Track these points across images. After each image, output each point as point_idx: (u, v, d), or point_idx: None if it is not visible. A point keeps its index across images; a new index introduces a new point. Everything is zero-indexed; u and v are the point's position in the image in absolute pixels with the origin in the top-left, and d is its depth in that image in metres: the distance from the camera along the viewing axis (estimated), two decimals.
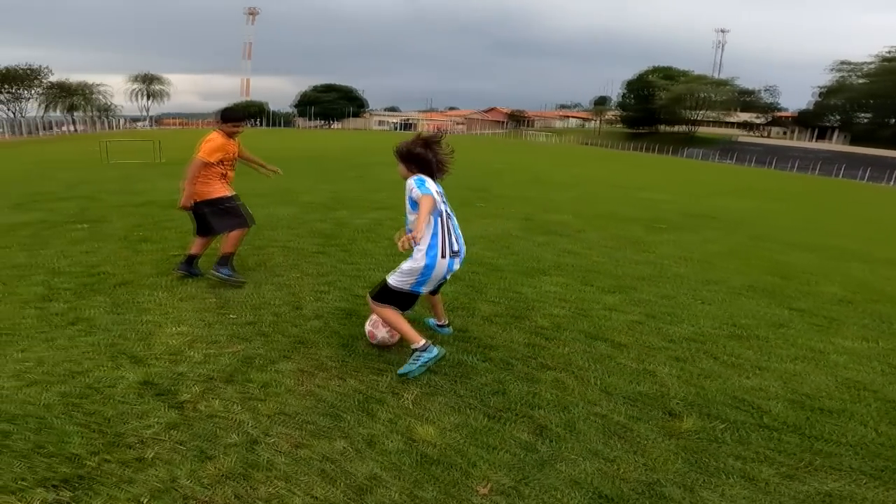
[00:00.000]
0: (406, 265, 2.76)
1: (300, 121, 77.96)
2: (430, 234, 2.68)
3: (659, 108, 66.53)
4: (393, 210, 7.66)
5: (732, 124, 70.74)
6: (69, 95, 50.59)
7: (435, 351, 2.71)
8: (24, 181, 10.35)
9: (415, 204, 2.63)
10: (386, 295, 2.79)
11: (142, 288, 3.86)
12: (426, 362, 2.71)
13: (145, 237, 5.36)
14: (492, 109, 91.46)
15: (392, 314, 2.78)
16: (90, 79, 54.78)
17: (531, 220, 7.70)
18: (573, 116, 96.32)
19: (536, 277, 4.69)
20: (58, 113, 49.80)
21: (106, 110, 53.98)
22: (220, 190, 4.00)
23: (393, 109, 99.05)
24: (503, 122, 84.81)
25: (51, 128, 44.39)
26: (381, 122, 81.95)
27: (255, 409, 2.41)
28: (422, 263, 2.69)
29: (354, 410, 2.45)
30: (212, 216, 3.97)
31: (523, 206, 9.12)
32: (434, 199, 2.57)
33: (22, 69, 46.61)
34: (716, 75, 74.26)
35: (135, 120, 59.17)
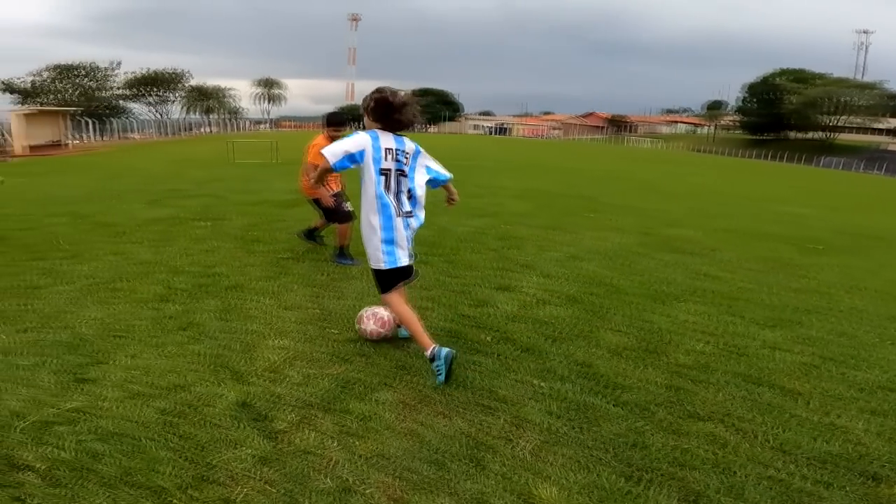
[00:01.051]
0: (366, 243, 2.67)
1: None
2: (373, 197, 2.58)
3: (789, 113, 59.53)
4: (495, 217, 7.23)
5: (881, 131, 61.21)
6: (206, 99, 55.94)
7: (443, 353, 2.56)
8: (162, 178, 11.42)
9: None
10: (381, 283, 2.73)
11: (250, 293, 3.80)
12: (443, 369, 2.57)
13: (258, 237, 5.45)
14: (590, 114, 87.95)
15: (402, 309, 2.71)
16: (223, 83, 60.47)
17: (650, 234, 6.84)
18: (682, 122, 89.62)
19: (669, 304, 3.99)
20: (196, 115, 55.65)
21: (235, 113, 58.85)
22: (329, 188, 4.49)
23: (487, 113, 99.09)
24: (603, 128, 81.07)
25: (190, 129, 49.58)
26: (475, 127, 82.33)
27: (351, 447, 2.10)
28: (378, 230, 2.60)
29: (462, 459, 2.06)
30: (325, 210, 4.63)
31: (638, 218, 8.22)
32: (327, 166, 2.53)
33: (168, 73, 51.45)
34: (858, 78, 64.77)
35: (258, 122, 64.09)
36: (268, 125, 62.76)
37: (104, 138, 33.27)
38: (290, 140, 23.82)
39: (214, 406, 2.36)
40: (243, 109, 61.76)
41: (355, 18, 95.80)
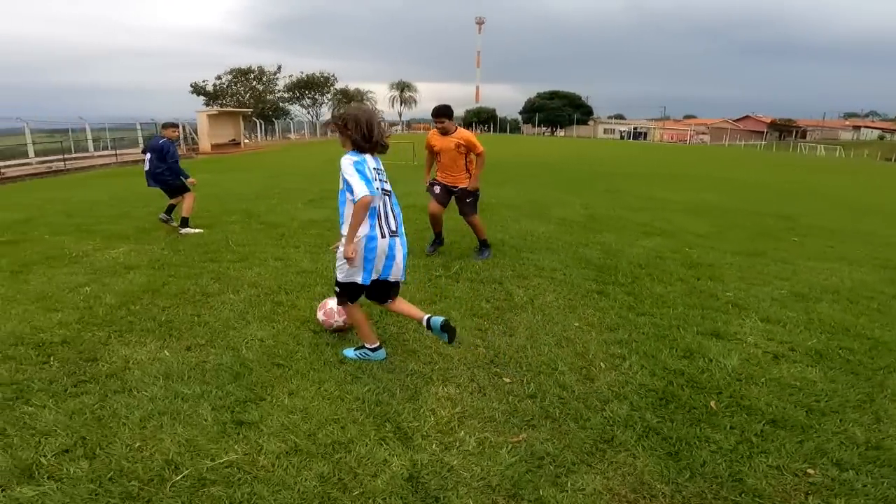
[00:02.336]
0: (341, 255, 2.58)
1: (526, 127, 79.23)
2: (367, 217, 2.53)
3: None
4: (670, 238, 6.09)
5: None
6: (349, 101, 60.47)
7: (382, 355, 2.79)
8: (317, 177, 12.05)
9: (349, 185, 2.47)
10: (342, 293, 2.72)
11: (408, 319, 3.33)
12: (366, 359, 2.76)
13: (411, 249, 5.02)
14: (745, 117, 77.42)
15: (356, 315, 2.78)
16: (363, 86, 64.57)
17: (891, 266, 5.17)
18: (870, 126, 74.91)
19: None
20: None
21: None
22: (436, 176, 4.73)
23: (619, 117, 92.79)
24: (763, 133, 70.79)
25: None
26: (607, 131, 77.52)
27: None
28: (360, 249, 2.55)
29: None
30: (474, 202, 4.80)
31: (863, 244, 6.42)
32: (370, 200, 2.46)
33: (318, 77, 55.94)
34: None
35: (392, 124, 67.92)
36: (400, 127, 65.83)
37: (269, 138, 37.55)
38: (422, 142, 24.35)
39: (377, 477, 1.90)
40: (380, 112, 65.25)
41: (480, 21, 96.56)
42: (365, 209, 2.45)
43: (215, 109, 31.78)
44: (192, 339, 2.94)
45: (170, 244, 5.16)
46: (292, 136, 43.06)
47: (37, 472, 1.85)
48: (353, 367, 2.69)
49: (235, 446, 2.03)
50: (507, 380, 2.64)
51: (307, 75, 54.52)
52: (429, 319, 2.71)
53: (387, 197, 2.66)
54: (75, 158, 20.94)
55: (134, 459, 1.93)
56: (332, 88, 57.67)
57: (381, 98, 73.06)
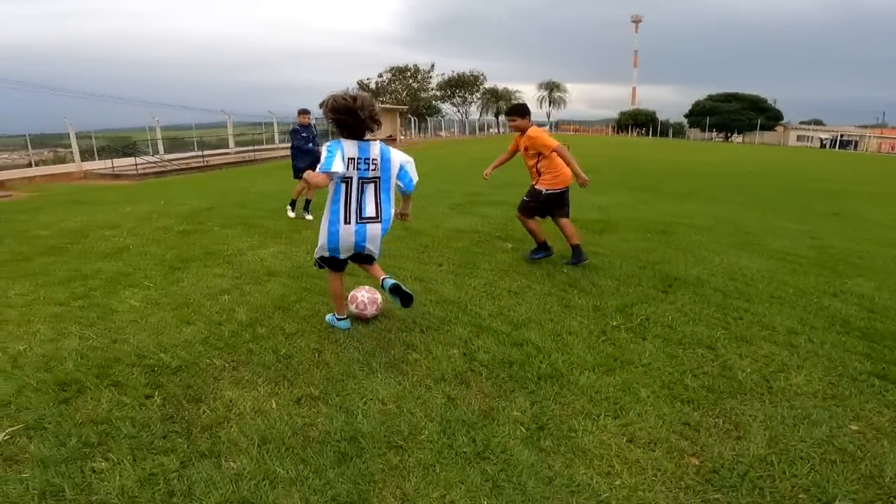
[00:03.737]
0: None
1: (693, 132, 70.64)
2: (330, 203, 2.67)
3: None
4: None
5: None
6: (498, 100, 60.55)
7: (345, 325, 3.00)
8: (465, 178, 11.55)
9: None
10: (321, 263, 2.94)
11: (573, 391, 2.45)
12: (335, 326, 3.01)
13: (573, 280, 4.07)
14: None
15: (333, 284, 2.96)
16: (511, 86, 64.07)
17: None
18: None
19: None
20: (489, 116, 60.76)
21: None
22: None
23: (817, 123, 77.06)
24: None
25: (483, 129, 54.49)
26: (801, 138, 64.90)
27: None
28: (324, 232, 2.72)
29: None
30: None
31: None
32: (323, 178, 2.53)
33: (468, 76, 56.79)
34: None
35: (540, 125, 66.49)
36: (549, 128, 64.16)
37: (422, 135, 39.12)
38: (577, 143, 22.67)
39: None
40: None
41: (637, 20, 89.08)
42: (316, 179, 2.51)
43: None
44: (305, 387, 2.42)
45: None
46: (443, 133, 44.31)
47: None
48: (496, 466, 1.90)
49: None
50: None
51: (457, 74, 55.64)
52: (383, 280, 2.91)
53: (368, 185, 2.67)
54: (264, 150, 23.96)
55: None
56: (480, 87, 58.12)
57: (529, 98, 71.85)
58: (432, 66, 52.81)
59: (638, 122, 70.13)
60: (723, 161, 22.06)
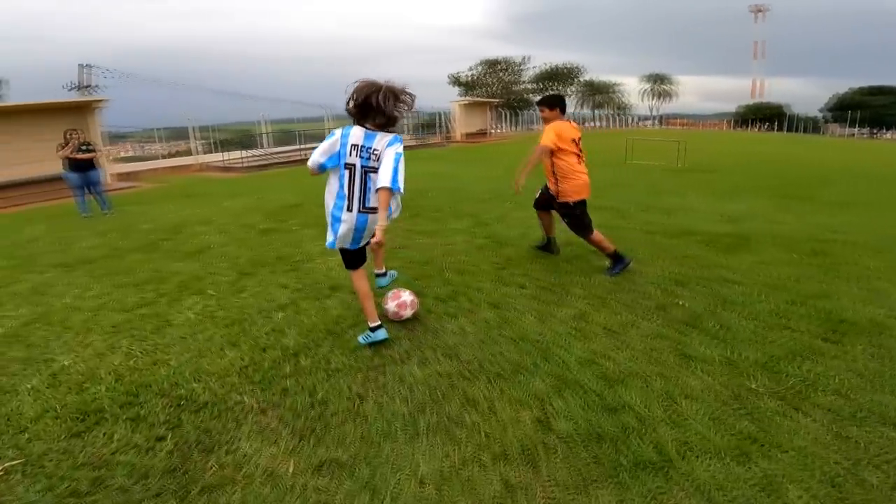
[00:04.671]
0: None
1: (833, 127, 61.41)
2: (334, 189, 2.60)
3: None
4: None
5: None
6: (596, 94, 57.24)
7: (382, 335, 2.79)
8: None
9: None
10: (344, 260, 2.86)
11: (686, 487, 1.78)
12: (372, 341, 2.78)
13: (695, 317, 3.16)
14: None
15: (358, 283, 2.83)
16: (611, 79, 60.42)
17: None
18: None
19: None
20: (586, 110, 57.82)
21: (622, 109, 58.19)
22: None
23: None
24: None
25: (581, 123, 51.94)
26: None
27: None
28: (328, 220, 2.67)
29: None
30: None
31: None
32: (309, 169, 2.59)
33: (564, 68, 53.95)
34: None
35: (643, 119, 62.09)
36: (653, 122, 59.80)
37: (514, 128, 38.10)
38: (689, 138, 20.36)
39: None
40: (631, 105, 60.85)
41: (759, 10, 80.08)
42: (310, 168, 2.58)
43: (467, 99, 33.33)
44: (333, 448, 2.00)
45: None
46: (535, 127, 42.86)
47: None
48: None
49: None
50: None
51: (552, 66, 53.49)
52: (381, 274, 3.11)
53: (371, 174, 2.56)
54: None
55: None
56: (577, 80, 55.58)
57: (632, 91, 67.34)
58: (524, 58, 51.46)
59: (762, 116, 63.12)
60: (880, 161, 18.51)
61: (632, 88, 68.02)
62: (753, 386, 2.41)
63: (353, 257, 2.79)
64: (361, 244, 2.73)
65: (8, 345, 2.98)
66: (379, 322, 2.80)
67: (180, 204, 8.53)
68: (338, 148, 2.53)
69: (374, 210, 2.56)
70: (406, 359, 2.66)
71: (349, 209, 2.57)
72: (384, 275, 3.23)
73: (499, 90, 48.45)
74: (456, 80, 51.19)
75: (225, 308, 3.43)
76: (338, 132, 2.56)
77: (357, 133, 2.52)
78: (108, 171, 12.88)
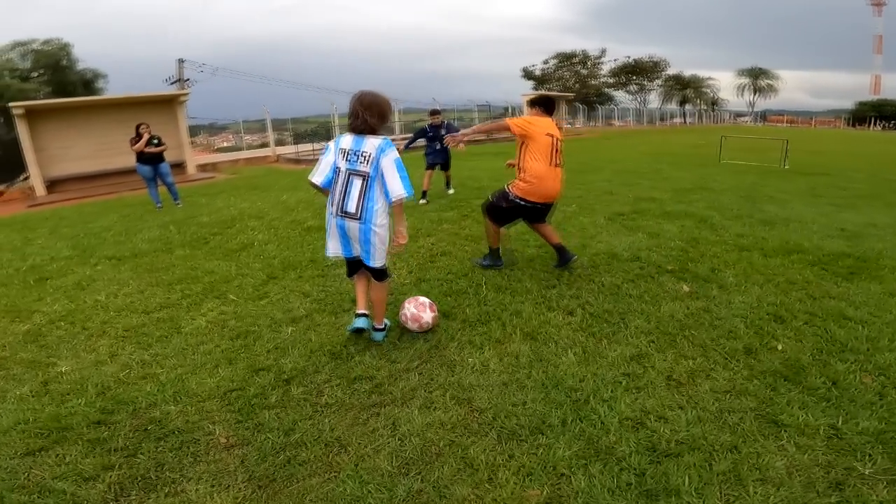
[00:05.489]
0: None
1: None
2: (330, 195, 2.69)
3: None
4: None
5: None
6: (683, 88, 53.23)
7: (380, 337, 2.81)
8: (635, 177, 9.40)
9: None
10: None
11: None
12: (380, 338, 2.81)
13: (791, 365, 2.47)
14: None
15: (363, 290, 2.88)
16: (701, 73, 55.92)
17: None
18: None
19: None
20: (672, 105, 54.11)
21: (714, 104, 54.06)
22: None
23: None
24: None
25: (664, 119, 48.67)
26: None
27: None
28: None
29: None
30: None
31: None
32: (311, 184, 2.71)
33: (647, 62, 50.62)
34: None
35: (739, 115, 57.63)
36: (751, 118, 54.80)
37: (591, 123, 36.32)
38: (797, 138, 18.07)
39: None
40: (723, 101, 56.22)
41: (878, 3, 70.95)
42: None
43: (537, 93, 31.95)
44: None
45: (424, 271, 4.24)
46: (615, 122, 40.60)
47: None
48: None
49: None
50: None
51: (634, 60, 50.37)
52: (359, 315, 2.79)
53: (355, 178, 2.55)
54: None
55: None
56: (662, 74, 52.04)
57: (726, 87, 62.06)
58: (602, 51, 49.11)
59: (883, 114, 56.40)
60: None
61: (725, 84, 62.71)
62: (866, 471, 1.76)
63: (350, 267, 2.83)
64: (354, 254, 2.70)
65: (24, 345, 2.99)
66: (385, 326, 2.86)
67: (243, 196, 8.73)
68: (332, 158, 2.62)
69: (351, 216, 2.55)
70: (408, 399, 2.27)
71: (333, 213, 2.62)
72: (382, 329, 2.85)
73: (575, 84, 46.57)
74: (529, 74, 49.85)
75: (238, 317, 3.25)
76: (331, 143, 2.68)
77: (347, 138, 2.60)
78: (189, 162, 13.69)
